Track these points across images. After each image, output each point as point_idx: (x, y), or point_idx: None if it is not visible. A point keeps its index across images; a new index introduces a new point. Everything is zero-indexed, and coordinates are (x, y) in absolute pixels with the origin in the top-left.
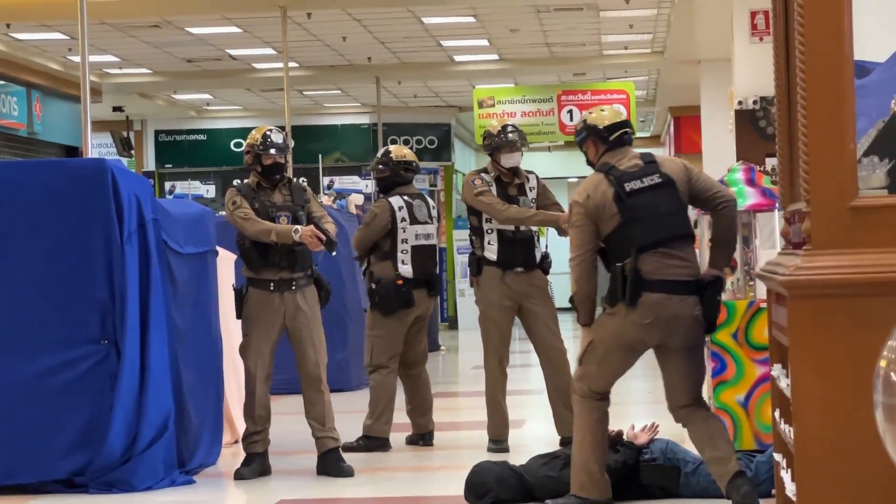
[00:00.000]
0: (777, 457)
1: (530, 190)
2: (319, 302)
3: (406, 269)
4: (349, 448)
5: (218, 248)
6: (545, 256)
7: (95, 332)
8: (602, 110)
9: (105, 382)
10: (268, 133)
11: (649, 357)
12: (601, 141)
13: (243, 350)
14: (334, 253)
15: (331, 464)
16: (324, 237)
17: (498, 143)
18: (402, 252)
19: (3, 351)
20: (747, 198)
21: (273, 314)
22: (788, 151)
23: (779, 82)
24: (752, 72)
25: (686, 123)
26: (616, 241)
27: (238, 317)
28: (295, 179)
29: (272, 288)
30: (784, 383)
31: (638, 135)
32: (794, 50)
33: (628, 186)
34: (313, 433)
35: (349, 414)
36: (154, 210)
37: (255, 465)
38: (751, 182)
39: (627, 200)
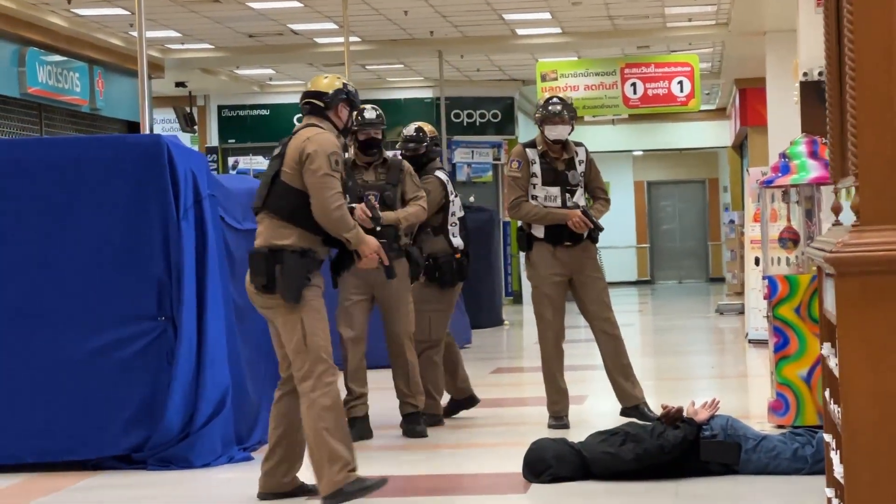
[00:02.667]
0: (827, 437)
1: (580, 163)
2: (410, 275)
3: (458, 242)
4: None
5: None
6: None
7: (152, 308)
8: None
9: (162, 359)
10: (362, 109)
11: (709, 331)
12: None
13: (336, 317)
14: (378, 228)
15: (406, 426)
16: (369, 214)
17: (542, 116)
18: (451, 225)
19: (62, 328)
20: (810, 171)
21: (361, 283)
22: (839, 125)
23: (829, 53)
24: (818, 43)
25: (752, 95)
26: None
27: (334, 286)
28: (394, 158)
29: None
30: (833, 363)
31: (703, 107)
32: (844, 20)
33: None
34: (397, 395)
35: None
36: (211, 186)
37: (356, 430)
38: (814, 155)
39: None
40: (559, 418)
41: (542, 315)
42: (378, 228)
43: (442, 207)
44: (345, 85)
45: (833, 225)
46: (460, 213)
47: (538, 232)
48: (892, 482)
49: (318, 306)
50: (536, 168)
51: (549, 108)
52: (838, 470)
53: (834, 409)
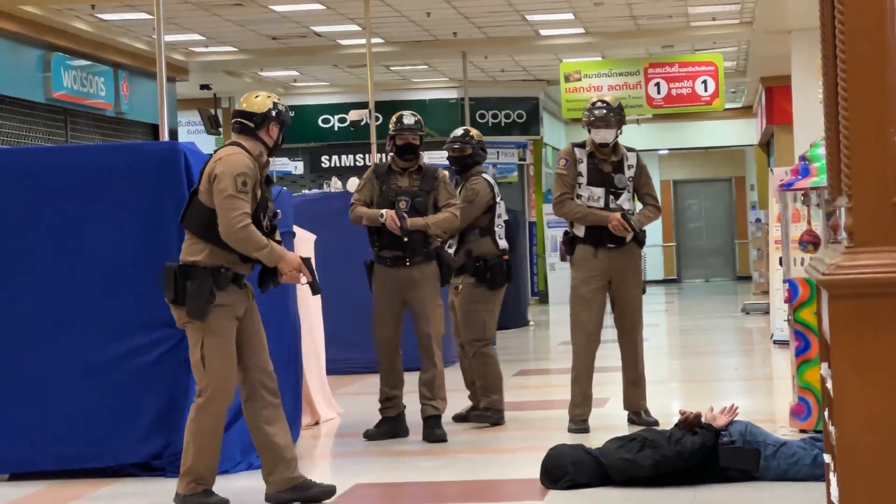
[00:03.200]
0: (826, 458)
1: (629, 168)
2: (440, 278)
3: (503, 244)
4: (483, 417)
5: (295, 228)
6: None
7: (170, 316)
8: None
9: (180, 366)
10: (401, 115)
11: (734, 331)
12: None
13: (372, 320)
14: (406, 238)
15: (427, 430)
16: (398, 223)
17: (587, 119)
18: (498, 227)
19: (80, 335)
20: None
21: (390, 287)
22: (836, 143)
23: (826, 69)
24: None
25: (778, 93)
26: None
27: (370, 289)
28: (430, 166)
29: (389, 263)
30: (830, 384)
31: (729, 105)
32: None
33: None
34: (420, 398)
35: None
36: None
37: (385, 428)
38: None
39: None
40: (580, 422)
41: (576, 316)
42: (406, 239)
43: (489, 208)
44: (275, 104)
45: (831, 242)
46: (506, 216)
47: (579, 232)
48: None
49: (222, 328)
50: (583, 167)
51: (595, 112)
52: (835, 494)
53: (832, 430)
